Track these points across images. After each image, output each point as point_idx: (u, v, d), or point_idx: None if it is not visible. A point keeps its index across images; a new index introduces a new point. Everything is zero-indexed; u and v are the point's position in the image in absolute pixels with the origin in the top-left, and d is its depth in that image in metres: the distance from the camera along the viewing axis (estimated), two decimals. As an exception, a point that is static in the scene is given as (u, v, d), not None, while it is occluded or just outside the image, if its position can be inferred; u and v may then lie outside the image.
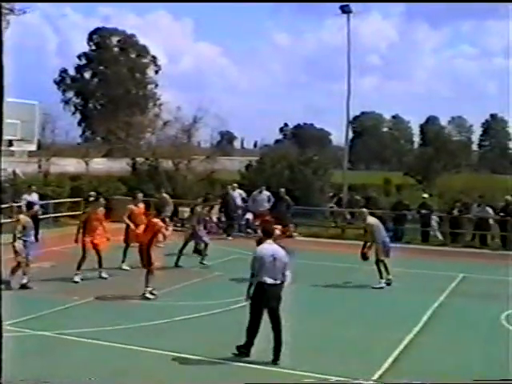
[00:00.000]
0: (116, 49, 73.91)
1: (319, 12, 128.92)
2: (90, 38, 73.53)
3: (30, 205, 16.01)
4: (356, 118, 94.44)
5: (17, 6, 26.26)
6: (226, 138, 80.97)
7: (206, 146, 46.03)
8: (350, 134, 52.63)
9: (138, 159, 36.03)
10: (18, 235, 14.70)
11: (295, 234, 24.35)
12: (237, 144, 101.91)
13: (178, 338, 10.96)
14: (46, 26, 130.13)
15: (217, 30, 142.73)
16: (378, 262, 16.04)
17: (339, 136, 35.59)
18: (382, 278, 15.90)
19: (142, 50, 73.71)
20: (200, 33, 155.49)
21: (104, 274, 16.11)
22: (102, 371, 9.35)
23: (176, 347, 10.32)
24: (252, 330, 9.77)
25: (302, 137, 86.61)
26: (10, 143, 18.50)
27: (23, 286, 14.66)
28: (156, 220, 14.63)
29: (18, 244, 14.65)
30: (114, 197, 27.34)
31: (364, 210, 17.71)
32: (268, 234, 10.13)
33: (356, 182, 34.36)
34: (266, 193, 25.37)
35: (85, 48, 73.72)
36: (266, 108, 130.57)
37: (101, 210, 16.54)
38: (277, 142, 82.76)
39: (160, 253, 15.20)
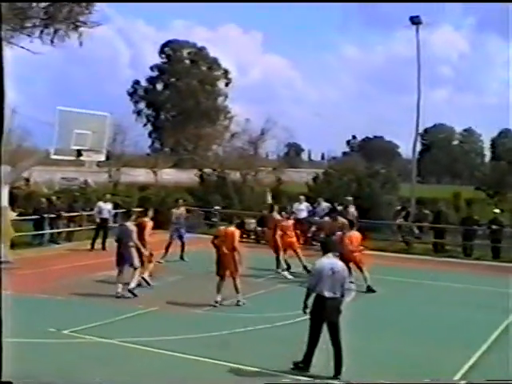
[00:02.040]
0: (187, 61, 74.96)
1: (388, 24, 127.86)
2: (161, 51, 74.87)
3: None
4: (426, 130, 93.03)
5: (91, 18, 26.90)
6: (293, 150, 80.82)
7: (273, 158, 46.14)
8: (420, 147, 51.86)
9: (205, 170, 36.37)
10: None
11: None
12: (304, 156, 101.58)
13: (240, 350, 10.94)
14: (119, 39, 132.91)
15: (285, 42, 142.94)
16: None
17: (408, 149, 35.17)
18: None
19: (213, 63, 74.53)
20: (269, 45, 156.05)
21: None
22: (162, 380, 9.43)
23: (237, 359, 10.30)
24: (311, 343, 9.74)
25: (370, 149, 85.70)
26: (79, 153, 18.88)
27: (131, 291, 15.14)
28: (233, 229, 14.70)
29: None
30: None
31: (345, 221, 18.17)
32: (326, 249, 10.14)
33: (425, 196, 33.80)
34: (326, 204, 25.35)
35: (156, 60, 75.17)
36: (333, 120, 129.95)
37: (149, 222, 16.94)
38: (344, 154, 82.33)
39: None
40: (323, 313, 9.64)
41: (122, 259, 15.46)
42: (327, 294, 9.60)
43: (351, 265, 16.55)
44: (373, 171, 32.17)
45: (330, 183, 31.38)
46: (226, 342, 11.46)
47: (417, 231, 26.78)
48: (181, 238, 20.88)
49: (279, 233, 18.85)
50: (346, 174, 31.69)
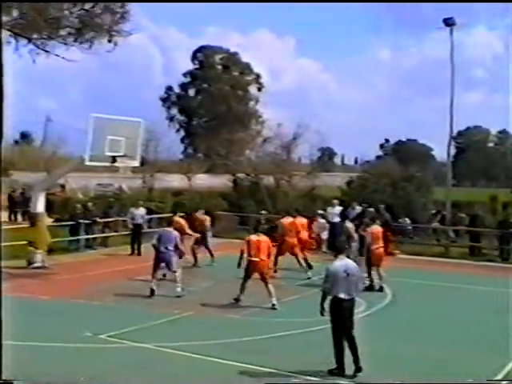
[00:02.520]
0: (219, 66, 75.26)
1: (421, 26, 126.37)
2: (194, 56, 75.26)
3: None
4: (461, 133, 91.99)
5: (124, 27, 27.16)
6: (327, 154, 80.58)
7: (306, 163, 45.98)
8: (454, 150, 51.31)
9: (239, 175, 36.42)
10: None
11: (397, 251, 23.89)
12: (337, 160, 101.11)
13: (273, 355, 10.90)
14: (152, 46, 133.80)
15: (318, 46, 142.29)
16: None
17: (442, 152, 34.81)
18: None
19: (245, 68, 74.71)
20: (301, 50, 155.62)
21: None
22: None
23: (272, 363, 10.29)
24: (338, 347, 9.85)
25: (404, 152, 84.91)
26: (114, 159, 19.03)
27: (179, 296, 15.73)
28: (266, 238, 15.07)
29: None
30: (215, 212, 27.68)
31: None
32: (338, 250, 10.28)
33: (461, 199, 33.40)
34: (360, 208, 25.20)
35: (188, 66, 75.58)
36: (366, 124, 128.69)
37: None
38: (378, 158, 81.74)
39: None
40: (342, 314, 9.80)
41: (163, 262, 15.90)
42: (343, 295, 9.78)
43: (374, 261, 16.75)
44: (407, 175, 31.90)
45: (363, 187, 31.18)
46: (260, 346, 11.46)
47: (452, 235, 26.54)
48: (205, 244, 20.95)
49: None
50: (381, 177, 31.48)
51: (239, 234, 27.30)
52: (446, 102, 29.26)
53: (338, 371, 9.79)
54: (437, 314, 14.61)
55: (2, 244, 20.58)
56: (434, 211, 29.62)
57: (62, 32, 26.64)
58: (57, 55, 27.07)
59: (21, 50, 26.82)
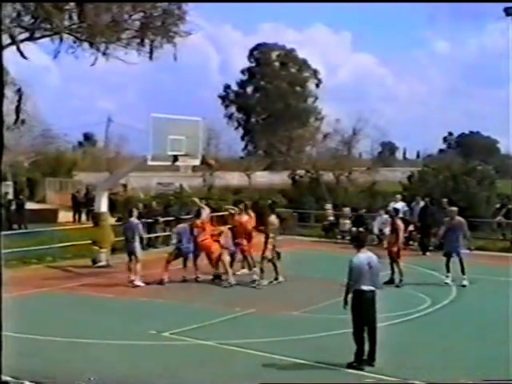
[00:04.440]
0: (276, 63, 75.28)
1: (480, 17, 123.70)
2: (250, 54, 75.45)
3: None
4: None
5: (182, 28, 27.47)
6: (388, 149, 79.72)
7: (366, 158, 45.66)
8: (519, 142, 50.12)
9: (298, 172, 36.40)
10: None
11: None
12: (398, 154, 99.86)
13: (337, 352, 10.82)
14: (208, 45, 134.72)
15: (375, 40, 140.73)
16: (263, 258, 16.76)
17: (508, 144, 33.99)
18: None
19: (302, 64, 74.54)
20: (358, 44, 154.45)
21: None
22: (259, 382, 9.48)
23: (335, 361, 10.27)
24: (359, 339, 10.06)
25: (467, 146, 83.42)
26: (175, 158, 19.22)
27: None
28: None
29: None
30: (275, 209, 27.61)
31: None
32: (361, 243, 10.46)
33: (527, 193, 32.56)
34: (424, 203, 24.76)
35: (244, 64, 75.88)
36: (427, 117, 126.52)
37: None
38: (441, 151, 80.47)
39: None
40: (365, 305, 10.04)
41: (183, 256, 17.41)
42: (366, 287, 10.04)
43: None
44: (468, 168, 31.24)
45: (425, 181, 30.70)
46: (322, 343, 11.42)
47: (518, 229, 25.88)
48: None
49: None
50: (442, 171, 30.94)
51: (299, 230, 27.30)
52: (507, 93, 28.69)
53: (357, 365, 9.96)
54: (502, 311, 14.26)
55: (68, 243, 21.22)
56: (498, 205, 28.91)
57: (123, 35, 27.07)
58: (120, 59, 27.50)
59: (82, 53, 27.38)
